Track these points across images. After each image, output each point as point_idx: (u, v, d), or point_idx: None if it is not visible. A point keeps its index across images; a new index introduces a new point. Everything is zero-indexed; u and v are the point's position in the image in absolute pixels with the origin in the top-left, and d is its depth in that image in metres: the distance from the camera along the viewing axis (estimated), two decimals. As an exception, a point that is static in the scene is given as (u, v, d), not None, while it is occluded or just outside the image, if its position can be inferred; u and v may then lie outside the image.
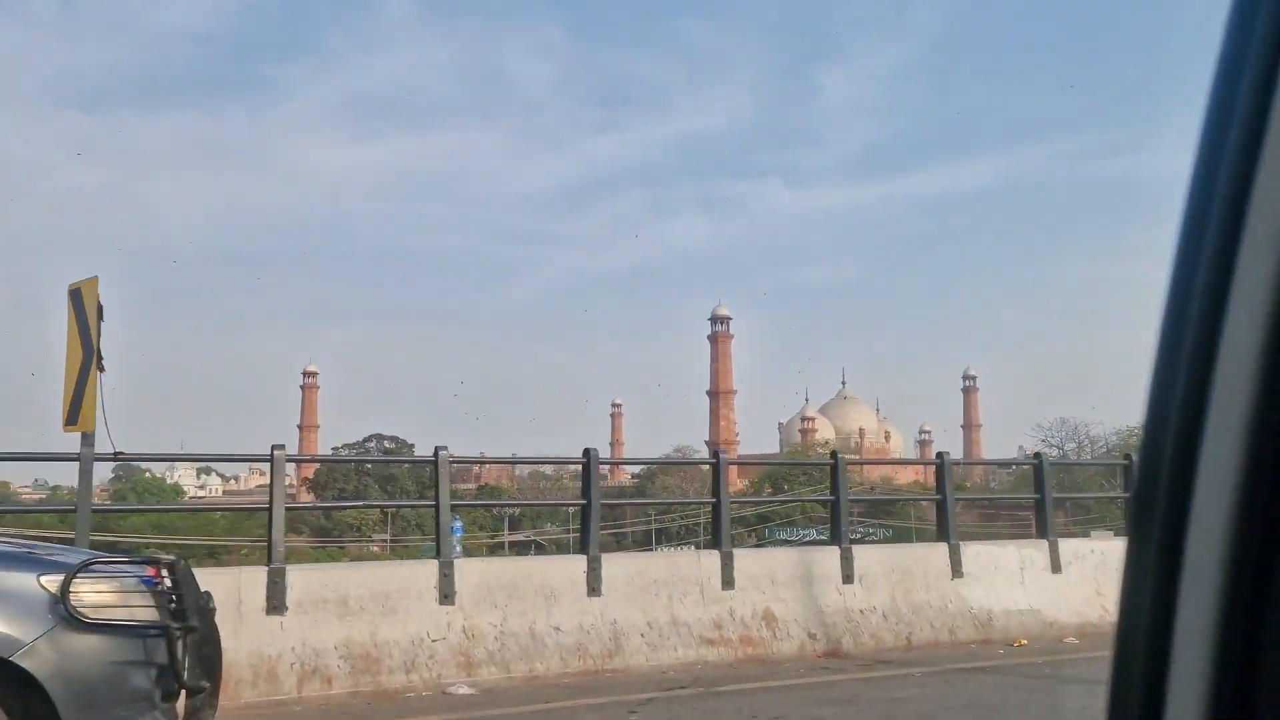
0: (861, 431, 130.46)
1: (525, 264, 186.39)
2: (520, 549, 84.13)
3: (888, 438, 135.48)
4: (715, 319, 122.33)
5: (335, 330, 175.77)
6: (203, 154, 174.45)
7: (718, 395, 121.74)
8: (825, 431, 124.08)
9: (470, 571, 7.55)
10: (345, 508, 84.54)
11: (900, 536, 59.12)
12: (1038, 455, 10.71)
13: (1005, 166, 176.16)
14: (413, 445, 77.00)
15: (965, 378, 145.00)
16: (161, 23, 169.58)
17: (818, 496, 48.07)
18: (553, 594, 7.50)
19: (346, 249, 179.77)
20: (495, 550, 59.28)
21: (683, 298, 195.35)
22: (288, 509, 7.47)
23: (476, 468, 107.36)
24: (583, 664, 7.20)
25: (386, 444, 77.03)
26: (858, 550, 8.85)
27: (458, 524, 77.52)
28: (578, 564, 7.77)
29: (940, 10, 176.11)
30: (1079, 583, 9.46)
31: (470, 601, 7.27)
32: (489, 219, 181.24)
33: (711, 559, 8.14)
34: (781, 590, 8.12)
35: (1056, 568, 9.59)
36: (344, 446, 79.49)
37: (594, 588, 7.64)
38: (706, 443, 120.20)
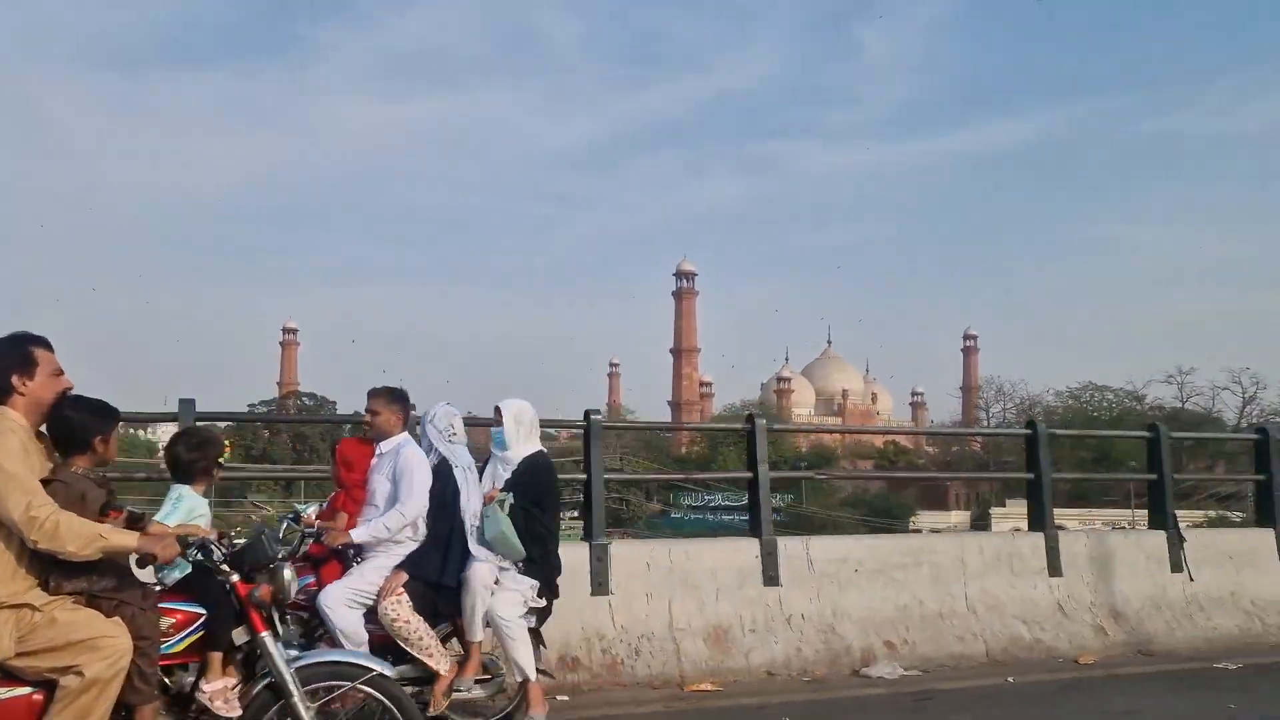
0: (845, 393, 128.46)
1: (552, 223, 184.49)
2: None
3: (875, 400, 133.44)
4: (680, 275, 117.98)
5: (351, 289, 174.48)
6: (234, 113, 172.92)
7: (680, 353, 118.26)
8: (804, 392, 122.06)
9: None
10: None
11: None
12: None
13: (1041, 126, 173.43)
14: (334, 402, 75.48)
15: (966, 338, 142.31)
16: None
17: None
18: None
19: (374, 208, 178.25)
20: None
21: (704, 258, 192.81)
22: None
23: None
24: None
25: (304, 400, 76.12)
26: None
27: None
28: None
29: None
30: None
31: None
32: (517, 178, 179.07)
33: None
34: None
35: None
36: (260, 404, 77.94)
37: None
38: (669, 402, 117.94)
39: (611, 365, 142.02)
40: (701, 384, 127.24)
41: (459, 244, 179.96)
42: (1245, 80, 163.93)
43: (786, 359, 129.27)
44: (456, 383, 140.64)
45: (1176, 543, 7.69)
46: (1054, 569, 7.25)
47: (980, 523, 64.58)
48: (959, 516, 68.34)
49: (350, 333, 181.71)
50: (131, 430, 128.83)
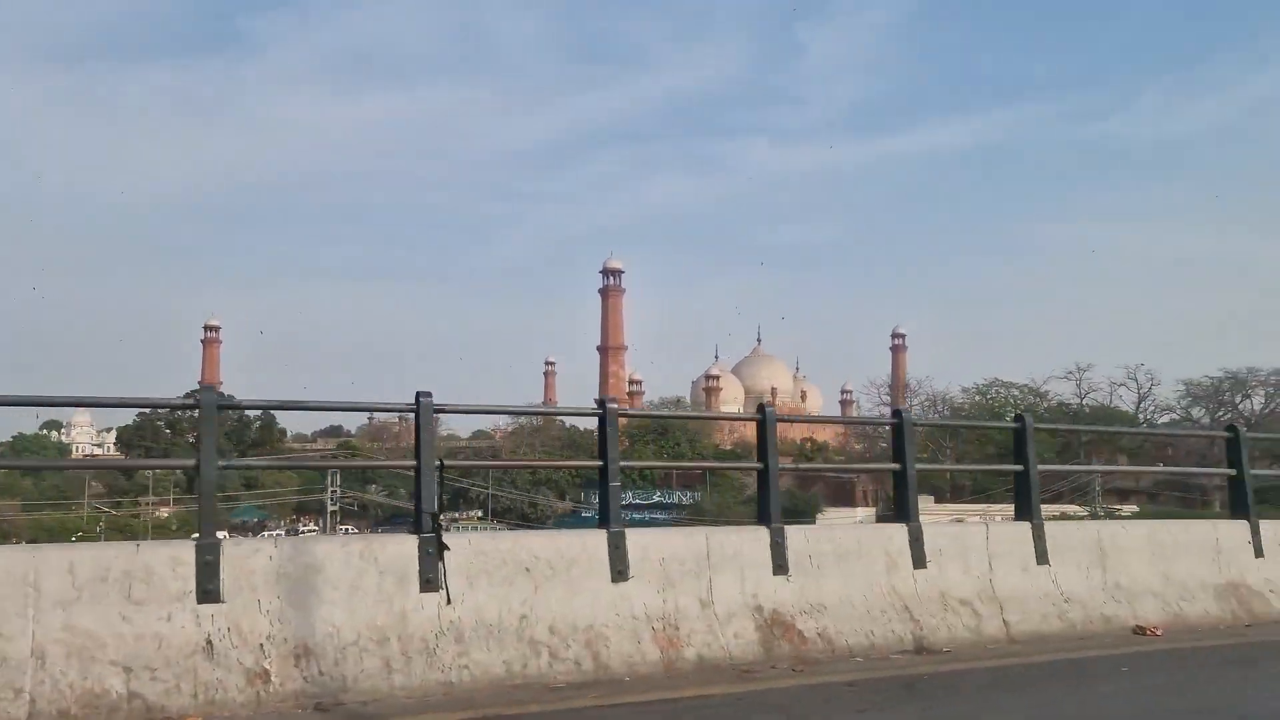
0: (774, 390, 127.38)
1: (497, 222, 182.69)
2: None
3: (804, 397, 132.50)
4: (607, 272, 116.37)
5: (284, 287, 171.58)
6: (179, 109, 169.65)
7: (607, 350, 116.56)
8: (733, 389, 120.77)
9: None
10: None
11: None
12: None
13: (983, 128, 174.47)
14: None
15: (894, 336, 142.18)
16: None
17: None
18: None
19: (323, 206, 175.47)
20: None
21: (647, 257, 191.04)
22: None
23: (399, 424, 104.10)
24: None
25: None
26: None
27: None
28: None
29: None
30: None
31: None
32: (468, 176, 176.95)
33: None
34: None
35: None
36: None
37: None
38: (595, 400, 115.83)
39: (547, 364, 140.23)
40: (632, 381, 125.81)
41: (402, 242, 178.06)
42: (1178, 85, 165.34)
43: (717, 356, 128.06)
44: (363, 382, 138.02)
45: (433, 551, 5.68)
46: (209, 594, 5.22)
47: (886, 518, 63.62)
48: (865, 512, 67.34)
49: (283, 329, 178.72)
50: (41, 431, 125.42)
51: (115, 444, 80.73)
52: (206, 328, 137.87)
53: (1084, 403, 66.75)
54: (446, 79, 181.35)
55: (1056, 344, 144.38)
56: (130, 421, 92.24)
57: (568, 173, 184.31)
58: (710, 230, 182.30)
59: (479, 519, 77.76)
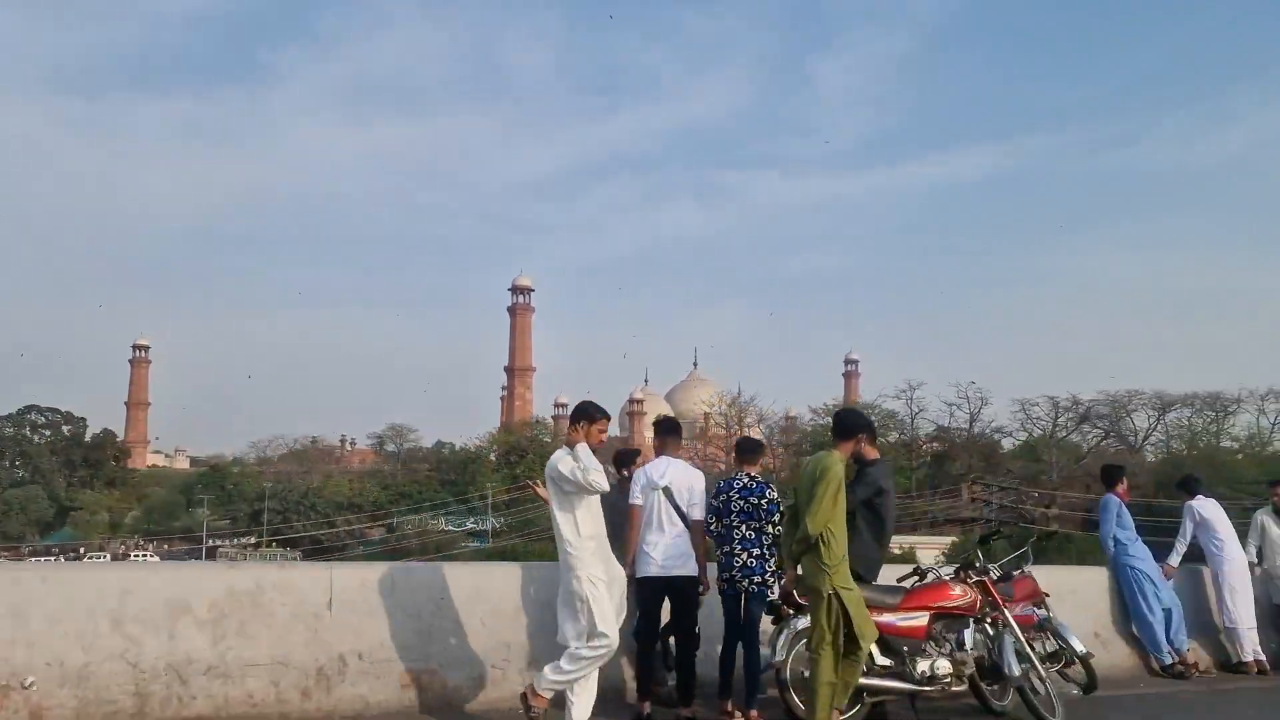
0: (707, 416, 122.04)
1: (513, 250, 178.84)
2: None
3: (741, 420, 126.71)
4: (515, 290, 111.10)
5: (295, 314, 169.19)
6: (196, 138, 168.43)
7: (514, 372, 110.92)
8: (659, 413, 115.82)
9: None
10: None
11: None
12: None
13: (998, 158, 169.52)
14: (83, 419, 69.89)
15: (847, 362, 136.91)
16: (155, 6, 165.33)
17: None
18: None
19: (332, 233, 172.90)
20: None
21: (666, 286, 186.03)
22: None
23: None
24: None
25: (46, 416, 70.44)
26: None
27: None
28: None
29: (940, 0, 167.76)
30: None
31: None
32: (479, 205, 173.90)
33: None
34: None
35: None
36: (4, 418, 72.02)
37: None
38: (502, 423, 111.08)
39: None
40: (557, 404, 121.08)
41: (396, 269, 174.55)
42: (1196, 115, 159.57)
43: (646, 380, 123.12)
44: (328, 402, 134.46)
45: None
46: None
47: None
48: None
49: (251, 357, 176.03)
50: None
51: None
52: (135, 347, 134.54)
53: (914, 422, 63.70)
54: (459, 109, 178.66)
55: (1038, 371, 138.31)
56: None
57: (567, 203, 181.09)
58: (694, 260, 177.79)
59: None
